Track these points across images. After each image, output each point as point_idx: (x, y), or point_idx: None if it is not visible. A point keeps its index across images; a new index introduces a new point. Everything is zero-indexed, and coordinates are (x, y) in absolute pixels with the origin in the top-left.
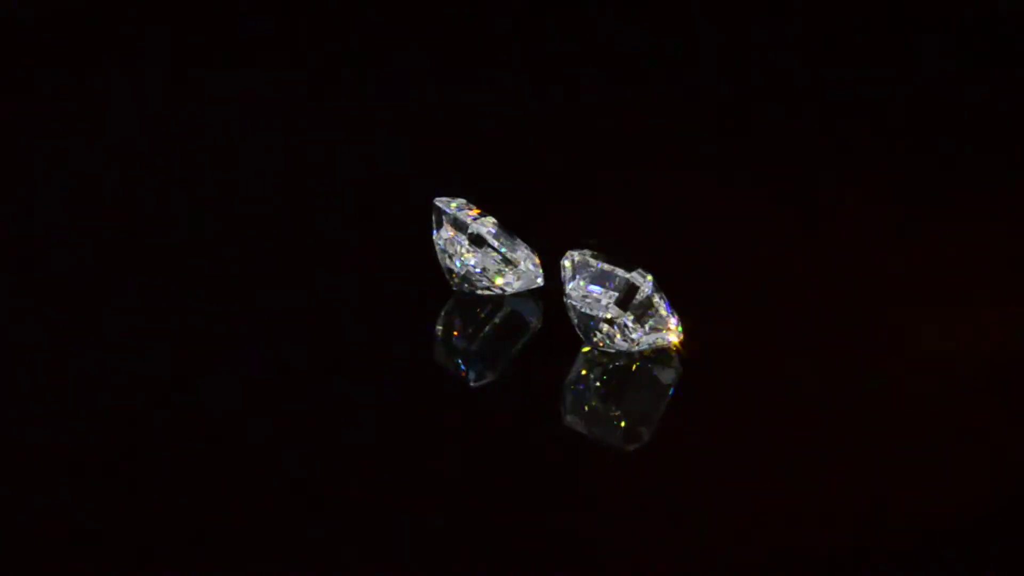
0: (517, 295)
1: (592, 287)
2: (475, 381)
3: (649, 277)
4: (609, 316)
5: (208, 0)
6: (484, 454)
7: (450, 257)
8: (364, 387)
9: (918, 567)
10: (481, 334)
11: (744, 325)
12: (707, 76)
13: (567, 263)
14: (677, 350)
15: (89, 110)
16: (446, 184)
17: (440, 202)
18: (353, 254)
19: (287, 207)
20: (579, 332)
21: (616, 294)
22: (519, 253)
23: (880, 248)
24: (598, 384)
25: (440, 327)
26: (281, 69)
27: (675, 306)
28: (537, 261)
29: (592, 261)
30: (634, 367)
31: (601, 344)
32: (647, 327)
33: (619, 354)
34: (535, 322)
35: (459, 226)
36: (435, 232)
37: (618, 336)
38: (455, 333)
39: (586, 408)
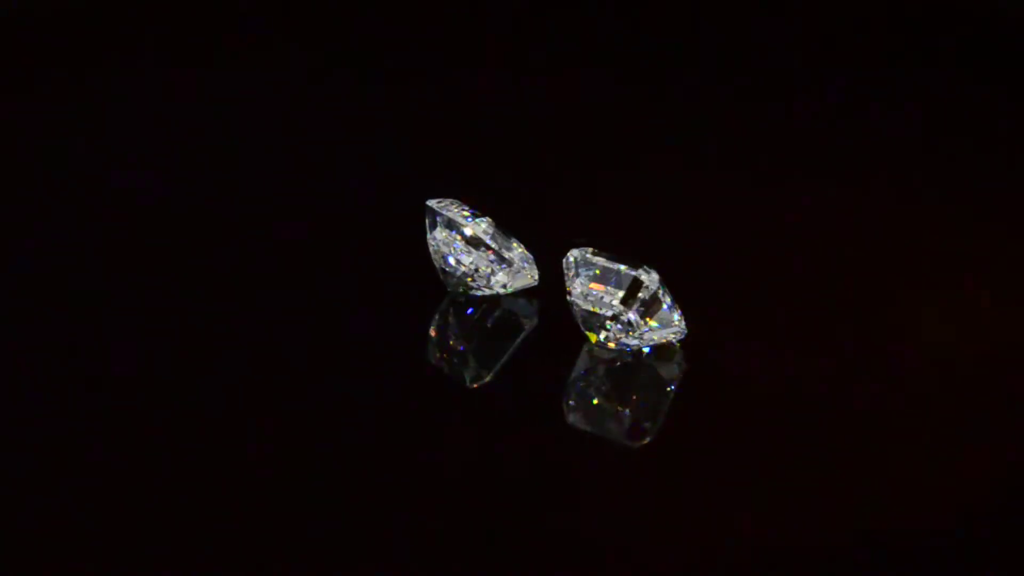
0: (512, 295)
1: (596, 284)
2: (473, 382)
3: (654, 273)
4: (613, 313)
5: (204, 1)
6: (485, 454)
7: (444, 258)
8: (361, 389)
9: (917, 566)
10: (477, 334)
11: (746, 321)
12: (706, 74)
13: (570, 260)
14: (680, 346)
15: (84, 111)
16: (438, 185)
17: (433, 203)
18: (347, 256)
19: (281, 209)
20: (583, 329)
21: (620, 291)
22: (514, 252)
23: (880, 246)
24: (601, 381)
25: (436, 328)
26: (274, 70)
27: (678, 302)
28: (532, 260)
29: (594, 258)
30: (638, 364)
31: (606, 342)
32: (651, 323)
33: (623, 351)
34: (532, 321)
35: (453, 227)
36: (429, 233)
37: (622, 333)
38: (451, 333)
39: (589, 406)
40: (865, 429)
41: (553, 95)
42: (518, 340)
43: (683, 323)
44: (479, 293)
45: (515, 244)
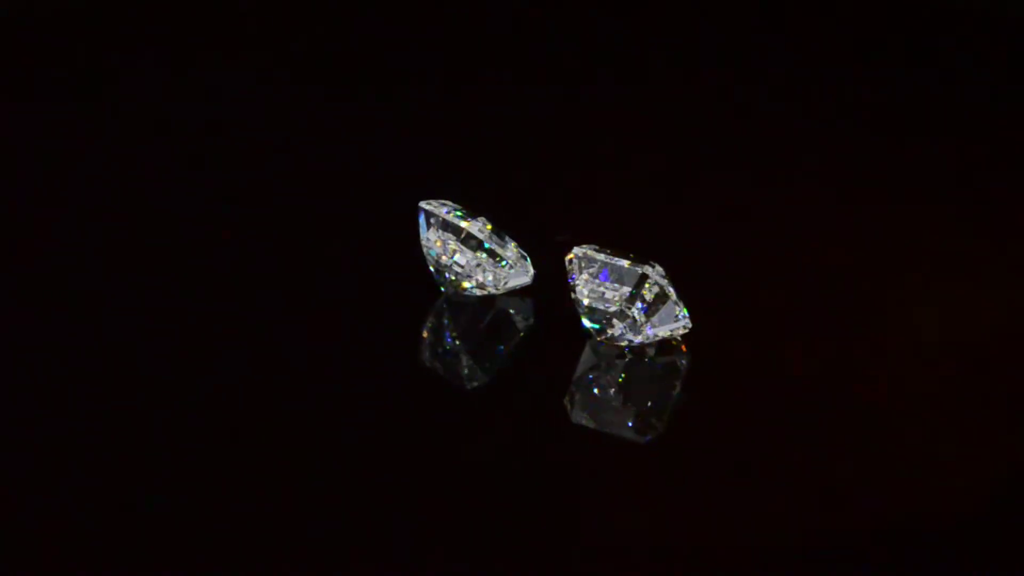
0: (508, 294)
1: (600, 281)
2: (470, 382)
3: (659, 268)
4: (619, 309)
5: (198, 3)
6: (486, 455)
7: (439, 259)
8: (357, 390)
9: (919, 565)
10: (474, 334)
11: (750, 315)
12: (706, 72)
13: (574, 258)
14: (684, 342)
15: (82, 110)
16: (431, 186)
17: (427, 204)
18: (340, 258)
19: (274, 211)
20: (588, 327)
21: (626, 287)
22: (509, 251)
23: (883, 242)
24: (606, 377)
25: (432, 329)
26: (268, 72)
27: (680, 298)
28: (527, 259)
29: (598, 255)
30: (642, 360)
31: (610, 338)
32: (656, 319)
33: (628, 347)
34: (528, 320)
35: (448, 227)
36: (423, 234)
37: (628, 329)
38: (447, 334)
39: (594, 402)
40: (868, 424)
41: (548, 95)
42: (516, 339)
43: (688, 318)
44: (474, 293)
45: (510, 243)
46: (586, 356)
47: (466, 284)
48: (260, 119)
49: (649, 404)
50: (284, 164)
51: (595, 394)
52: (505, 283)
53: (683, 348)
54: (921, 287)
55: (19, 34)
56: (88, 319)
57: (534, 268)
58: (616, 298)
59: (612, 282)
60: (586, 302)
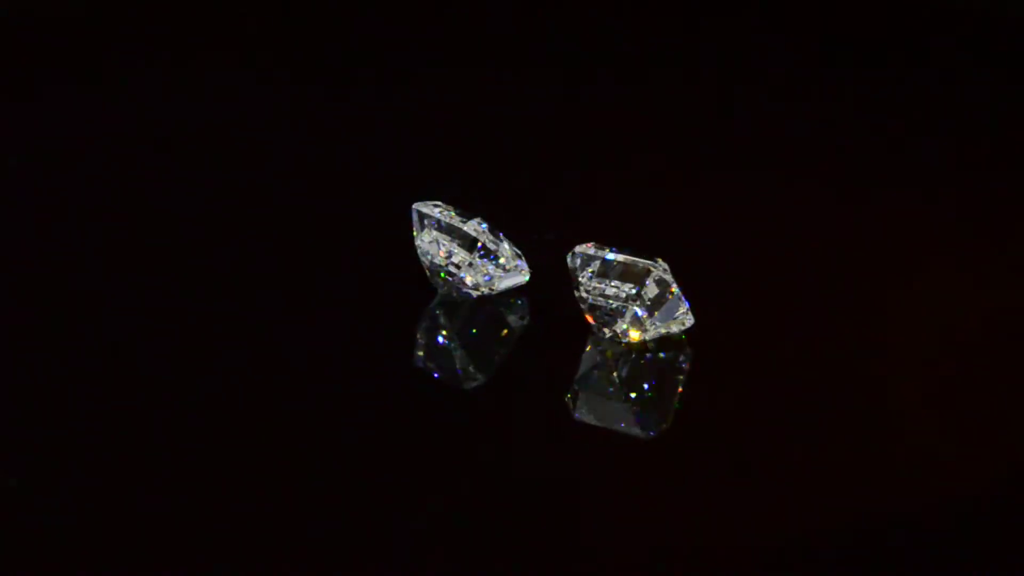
0: (503, 294)
1: (603, 279)
2: (467, 384)
3: (662, 264)
4: (622, 306)
5: (191, 4)
6: (487, 454)
7: (433, 260)
8: (353, 391)
9: (919, 564)
10: (470, 335)
11: (752, 312)
12: (705, 69)
13: (576, 255)
14: (686, 338)
15: (81, 110)
16: (425, 186)
17: (421, 206)
18: (334, 260)
19: (268, 212)
20: (591, 324)
21: (628, 284)
22: (504, 251)
23: (884, 241)
24: (609, 374)
25: (427, 330)
26: (261, 72)
27: (683, 294)
28: (522, 258)
29: (600, 253)
30: (645, 356)
31: (613, 335)
32: (659, 316)
33: (631, 344)
34: (525, 320)
35: (442, 228)
36: (417, 236)
37: (631, 326)
38: (443, 335)
39: (597, 399)
40: (869, 422)
41: (543, 94)
42: (512, 339)
43: (690, 315)
44: (469, 293)
45: (505, 243)
46: (588, 353)
47: (461, 284)
48: (258, 119)
49: (652, 401)
50: (277, 165)
51: (597, 391)
52: (500, 283)
53: (686, 344)
54: (925, 285)
55: (19, 34)
56: (81, 318)
57: (529, 267)
58: (619, 295)
59: (614, 279)
60: (589, 300)
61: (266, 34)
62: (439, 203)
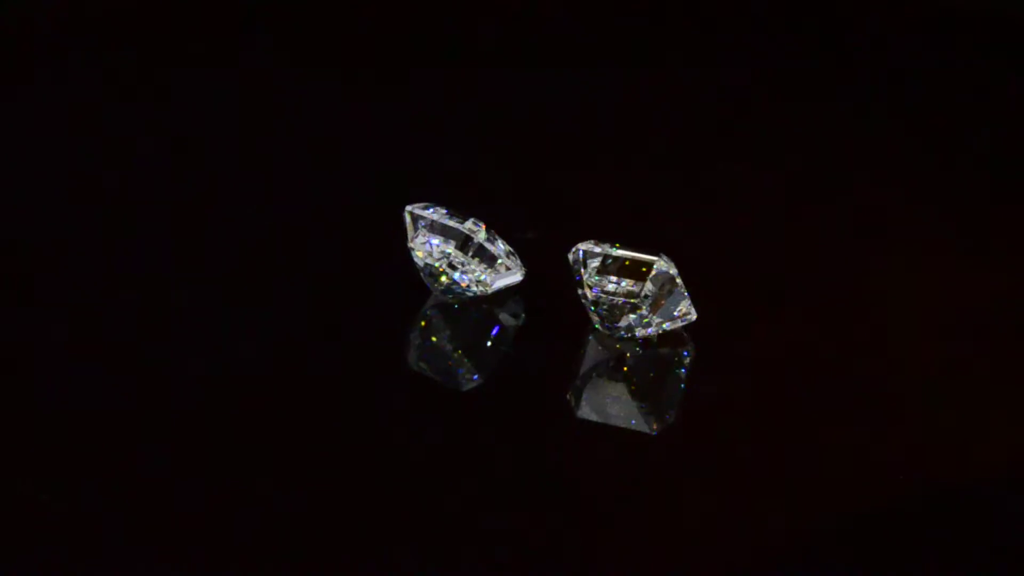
0: (499, 293)
1: (605, 275)
2: (465, 385)
3: (665, 259)
4: (625, 302)
5: (194, 2)
6: (488, 453)
7: (427, 261)
8: (350, 392)
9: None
10: (467, 335)
11: (755, 308)
12: (705, 67)
13: (578, 252)
14: (690, 333)
15: (78, 110)
16: (419, 187)
17: (414, 208)
18: (329, 262)
19: (263, 213)
20: (594, 320)
21: (630, 280)
22: (499, 251)
23: (888, 235)
24: (611, 371)
25: (423, 331)
26: (256, 72)
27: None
28: (517, 258)
29: (601, 249)
30: (648, 352)
31: (616, 331)
32: (663, 312)
33: (633, 340)
34: (521, 319)
35: (435, 229)
36: (410, 238)
37: (634, 322)
38: (438, 336)
39: (599, 396)
40: (871, 416)
41: (538, 93)
42: (508, 339)
43: (693, 310)
44: (464, 294)
45: (499, 242)
46: (591, 350)
47: (455, 285)
48: (251, 122)
49: (655, 397)
50: (272, 166)
51: (600, 388)
52: (495, 283)
53: (689, 340)
54: (927, 281)
55: (19, 34)
56: (76, 318)
57: (524, 267)
58: (621, 291)
59: (616, 275)
60: (591, 296)
61: (261, 37)
62: (432, 204)
